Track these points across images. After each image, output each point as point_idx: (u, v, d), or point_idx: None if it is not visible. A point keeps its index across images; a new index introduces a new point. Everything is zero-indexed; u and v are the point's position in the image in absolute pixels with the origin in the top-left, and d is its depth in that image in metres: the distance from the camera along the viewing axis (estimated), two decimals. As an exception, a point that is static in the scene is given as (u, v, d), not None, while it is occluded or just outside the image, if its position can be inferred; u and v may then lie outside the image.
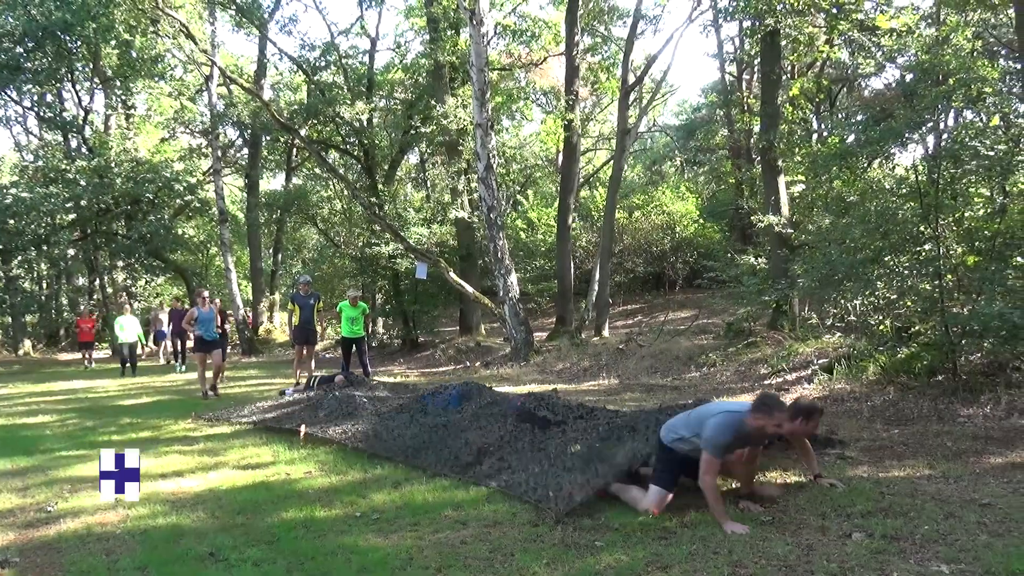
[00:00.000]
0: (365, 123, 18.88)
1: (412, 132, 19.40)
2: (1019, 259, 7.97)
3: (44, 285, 29.27)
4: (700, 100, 31.22)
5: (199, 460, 6.39)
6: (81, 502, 5.14)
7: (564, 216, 17.44)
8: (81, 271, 28.12)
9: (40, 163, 22.89)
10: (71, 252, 24.21)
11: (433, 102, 17.54)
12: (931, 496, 4.38)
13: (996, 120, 8.41)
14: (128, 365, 15.92)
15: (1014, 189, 8.76)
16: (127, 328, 16.04)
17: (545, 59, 22.23)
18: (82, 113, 25.36)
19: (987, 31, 16.57)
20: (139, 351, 17.17)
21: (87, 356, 18.80)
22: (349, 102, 17.95)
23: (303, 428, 7.03)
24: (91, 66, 23.85)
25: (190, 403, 10.41)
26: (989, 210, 8.39)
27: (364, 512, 4.61)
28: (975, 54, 14.04)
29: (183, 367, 16.31)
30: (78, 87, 25.57)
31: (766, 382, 9.35)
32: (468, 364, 14.92)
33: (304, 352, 11.89)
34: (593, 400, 8.10)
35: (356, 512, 4.62)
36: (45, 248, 21.56)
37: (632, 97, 18.83)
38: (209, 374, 11.20)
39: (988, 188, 8.70)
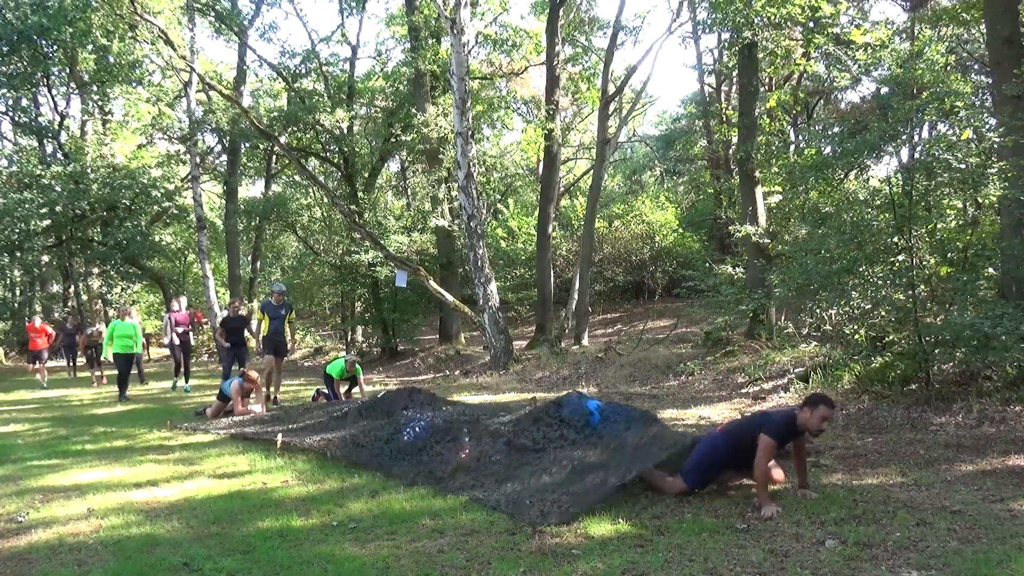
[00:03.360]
0: (345, 131, 18.84)
1: (392, 140, 19.41)
2: (990, 270, 8.13)
3: (17, 292, 28.82)
4: (679, 111, 31.40)
5: (174, 469, 6.32)
6: (53, 512, 5.06)
7: (544, 225, 17.50)
8: (55, 278, 27.74)
9: (14, 168, 22.57)
10: (45, 258, 23.91)
11: (414, 110, 17.55)
12: (903, 503, 4.44)
13: (968, 133, 8.56)
14: (126, 382, 12.41)
15: (986, 201, 8.92)
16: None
17: (526, 68, 22.35)
18: (58, 118, 25.11)
19: (960, 46, 16.89)
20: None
21: (36, 370, 15.86)
22: (329, 109, 17.90)
23: (280, 437, 6.98)
24: (68, 71, 23.63)
25: (165, 411, 10.29)
26: (961, 222, 8.57)
27: (341, 521, 4.58)
28: (948, 68, 14.31)
29: (183, 383, 13.47)
30: (54, 92, 25.34)
31: (743, 391, 9.43)
32: (448, 372, 14.91)
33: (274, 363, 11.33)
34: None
35: (333, 521, 4.59)
36: (19, 254, 21.22)
37: (612, 107, 18.95)
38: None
39: (960, 200, 8.88)
